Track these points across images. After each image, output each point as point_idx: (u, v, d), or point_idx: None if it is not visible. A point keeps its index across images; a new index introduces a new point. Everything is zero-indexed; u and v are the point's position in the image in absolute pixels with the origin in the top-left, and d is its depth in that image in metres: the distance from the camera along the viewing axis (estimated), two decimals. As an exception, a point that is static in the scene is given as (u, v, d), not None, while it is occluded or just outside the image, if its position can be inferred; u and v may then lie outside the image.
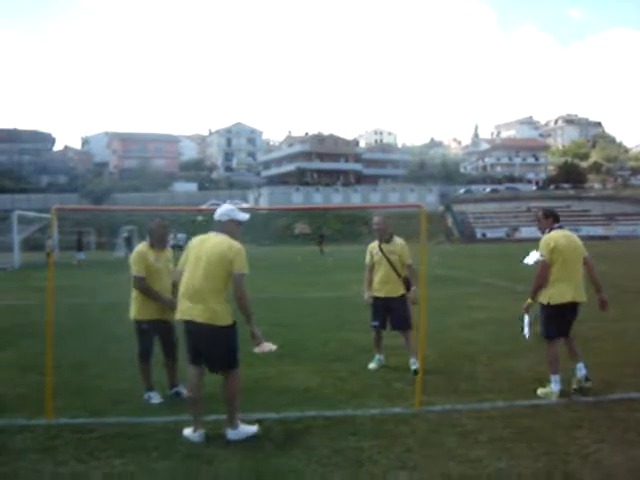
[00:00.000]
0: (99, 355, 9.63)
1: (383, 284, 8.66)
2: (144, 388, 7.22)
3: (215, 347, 5.79)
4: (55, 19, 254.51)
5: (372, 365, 8.69)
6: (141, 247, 7.27)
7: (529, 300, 7.38)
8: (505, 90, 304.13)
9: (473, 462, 5.15)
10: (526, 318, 7.50)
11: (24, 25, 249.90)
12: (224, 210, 5.98)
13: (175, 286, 6.14)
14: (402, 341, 8.75)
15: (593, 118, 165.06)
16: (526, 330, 7.48)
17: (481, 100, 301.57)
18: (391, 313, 8.66)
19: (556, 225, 7.47)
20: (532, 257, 7.59)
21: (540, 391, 7.21)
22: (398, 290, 8.61)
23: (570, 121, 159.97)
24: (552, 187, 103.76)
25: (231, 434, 5.79)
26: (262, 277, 23.93)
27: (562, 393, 7.09)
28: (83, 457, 5.34)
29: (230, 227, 5.93)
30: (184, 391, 7.27)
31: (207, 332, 5.72)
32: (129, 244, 47.60)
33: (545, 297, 7.26)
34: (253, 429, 5.90)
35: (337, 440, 5.71)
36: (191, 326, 5.78)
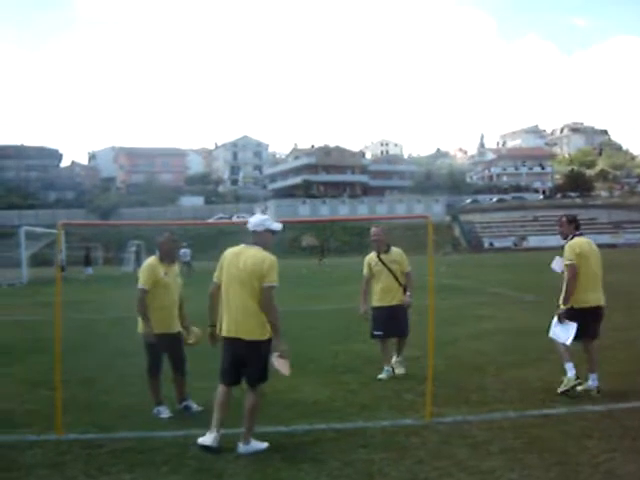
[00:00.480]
0: (107, 370, 9.62)
1: (386, 293, 8.86)
2: (153, 403, 7.21)
3: (252, 361, 5.80)
4: (59, 34, 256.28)
5: (382, 376, 8.69)
6: (151, 261, 7.26)
7: (562, 306, 7.58)
8: (510, 99, 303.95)
9: (485, 473, 5.11)
10: (559, 325, 7.63)
11: (29, 41, 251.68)
12: (259, 220, 5.96)
13: (211, 298, 6.08)
14: (413, 352, 8.77)
15: (599, 126, 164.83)
16: (569, 338, 7.52)
17: (486, 110, 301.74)
18: (396, 320, 8.79)
19: (577, 232, 7.80)
20: (557, 263, 7.82)
21: (561, 388, 7.46)
22: (401, 298, 8.81)
23: (576, 129, 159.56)
24: (559, 196, 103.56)
25: (242, 448, 5.77)
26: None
27: (573, 401, 7.08)
28: (92, 472, 5.33)
29: (265, 237, 5.92)
30: (194, 405, 7.26)
31: (245, 346, 5.74)
32: (138, 258, 47.75)
33: (570, 301, 7.55)
34: (263, 445, 5.87)
35: (347, 453, 5.69)
36: (232, 342, 5.80)
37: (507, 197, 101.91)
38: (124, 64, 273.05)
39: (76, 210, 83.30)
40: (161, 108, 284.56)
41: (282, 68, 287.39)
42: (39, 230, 40.61)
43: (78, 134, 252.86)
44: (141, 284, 7.05)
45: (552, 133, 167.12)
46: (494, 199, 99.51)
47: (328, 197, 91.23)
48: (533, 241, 73.62)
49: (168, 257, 7.31)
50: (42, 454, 5.82)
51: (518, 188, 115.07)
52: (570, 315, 7.51)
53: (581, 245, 7.60)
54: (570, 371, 7.43)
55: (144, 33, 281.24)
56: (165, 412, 7.13)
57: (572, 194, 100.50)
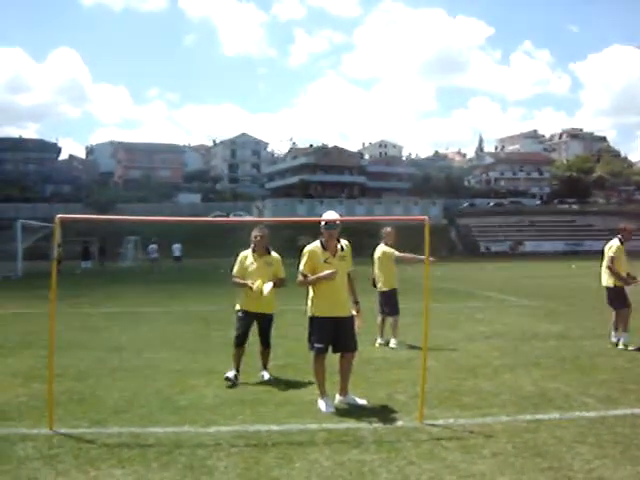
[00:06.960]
0: (101, 365, 9.60)
1: None
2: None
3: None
4: (59, 30, 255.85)
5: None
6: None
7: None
8: (509, 103, 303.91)
9: (476, 477, 5.11)
10: None
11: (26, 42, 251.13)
12: None
13: None
14: (407, 354, 8.74)
15: (598, 132, 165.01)
16: None
17: (485, 113, 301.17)
18: None
19: None
20: None
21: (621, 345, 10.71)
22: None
23: (575, 135, 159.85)
24: (556, 201, 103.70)
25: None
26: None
27: (566, 407, 7.10)
28: (84, 467, 5.32)
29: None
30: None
31: None
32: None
33: None
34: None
35: (339, 453, 5.68)
36: None
37: (504, 201, 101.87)
38: (123, 57, 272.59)
39: (73, 204, 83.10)
40: (160, 103, 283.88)
41: (281, 65, 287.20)
42: (35, 224, 40.58)
43: (77, 127, 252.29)
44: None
45: (551, 139, 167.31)
46: (491, 203, 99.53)
47: (326, 197, 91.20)
48: (529, 246, 73.76)
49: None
50: (33, 447, 5.80)
51: (515, 193, 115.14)
52: None
53: None
54: None
55: (141, 24, 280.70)
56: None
57: (569, 200, 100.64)
